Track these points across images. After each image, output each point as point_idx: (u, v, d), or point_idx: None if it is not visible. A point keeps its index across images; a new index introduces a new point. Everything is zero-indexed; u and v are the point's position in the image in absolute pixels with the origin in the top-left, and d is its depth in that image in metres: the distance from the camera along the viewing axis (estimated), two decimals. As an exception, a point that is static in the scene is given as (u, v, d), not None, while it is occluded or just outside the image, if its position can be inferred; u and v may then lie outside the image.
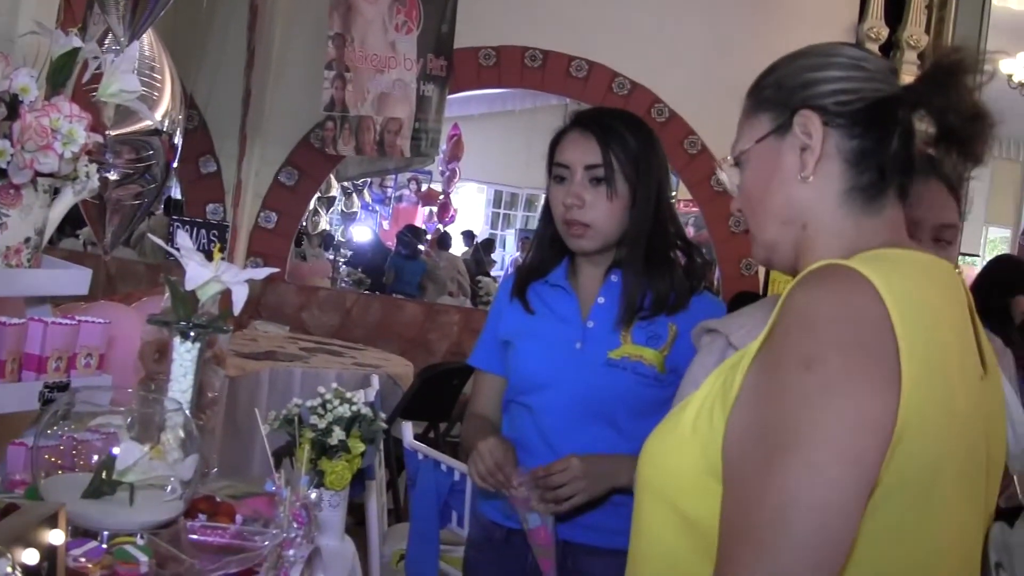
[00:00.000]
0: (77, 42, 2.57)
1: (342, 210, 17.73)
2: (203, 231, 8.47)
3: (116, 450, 1.94)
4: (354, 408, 2.74)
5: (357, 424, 2.73)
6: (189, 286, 2.30)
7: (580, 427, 2.68)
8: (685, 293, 2.72)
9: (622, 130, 2.72)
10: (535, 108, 16.61)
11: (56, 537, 1.58)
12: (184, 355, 2.32)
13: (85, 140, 2.42)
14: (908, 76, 1.64)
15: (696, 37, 9.51)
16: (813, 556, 1.31)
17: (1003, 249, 15.29)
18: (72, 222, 9.53)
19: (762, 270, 9.25)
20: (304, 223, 11.59)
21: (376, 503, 4.14)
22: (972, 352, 1.57)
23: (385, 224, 18.95)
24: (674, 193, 10.77)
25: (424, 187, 19.20)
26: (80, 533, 1.89)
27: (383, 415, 2.89)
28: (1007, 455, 1.72)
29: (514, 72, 9.67)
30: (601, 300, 2.74)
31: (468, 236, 18.59)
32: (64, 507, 1.62)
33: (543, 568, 2.62)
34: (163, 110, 5.69)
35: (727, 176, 1.75)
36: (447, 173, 18.04)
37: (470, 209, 20.91)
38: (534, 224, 19.81)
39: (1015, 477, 1.75)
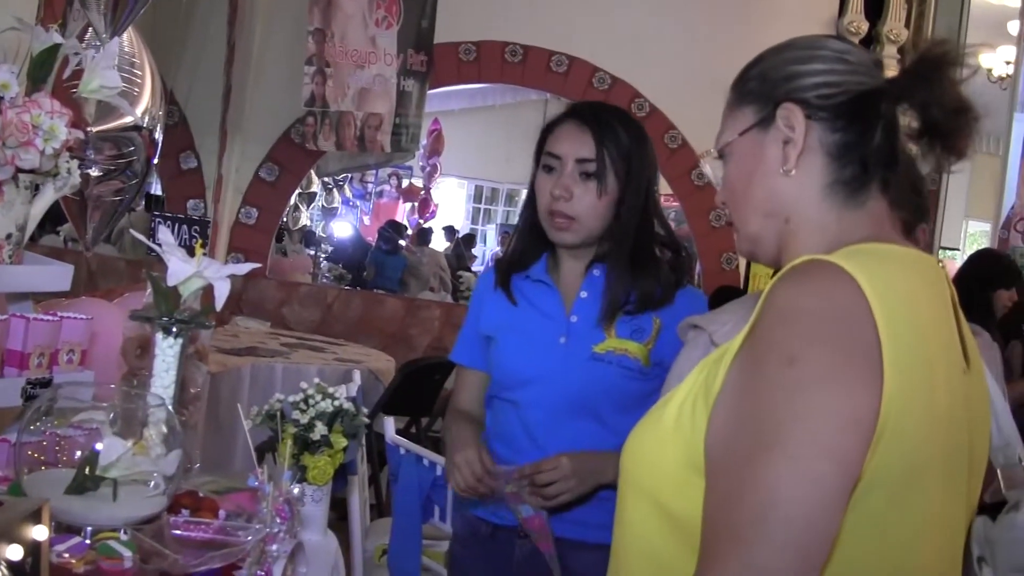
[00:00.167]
0: (58, 38, 2.57)
1: (323, 205, 17.74)
2: (185, 227, 8.47)
3: (99, 446, 1.94)
4: (336, 403, 2.75)
5: (339, 419, 2.74)
6: (171, 282, 2.30)
7: (565, 422, 2.67)
8: (670, 287, 2.72)
9: (617, 127, 2.71)
10: (515, 103, 16.60)
11: (40, 533, 1.58)
12: (166, 351, 2.32)
13: (66, 136, 2.42)
14: (888, 71, 1.64)
15: (676, 32, 9.52)
16: (795, 551, 1.31)
17: (983, 243, 15.31)
18: (53, 219, 9.50)
19: (743, 264, 9.26)
20: (285, 219, 11.58)
21: (358, 498, 4.14)
22: (955, 347, 1.56)
23: (366, 219, 18.93)
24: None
25: (405, 183, 19.18)
26: (63, 529, 1.89)
27: (365, 410, 2.90)
28: (990, 449, 1.72)
29: (494, 67, 9.67)
30: (584, 295, 2.73)
31: (449, 231, 18.59)
32: (47, 503, 1.62)
33: (543, 550, 2.61)
34: (143, 106, 5.68)
35: (710, 168, 1.75)
36: (427, 168, 18.02)
37: (451, 204, 20.89)
38: (515, 219, 19.77)
39: (999, 471, 1.76)
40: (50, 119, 2.37)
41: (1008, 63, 10.85)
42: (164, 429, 2.08)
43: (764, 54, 1.70)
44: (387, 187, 19.42)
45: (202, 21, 9.25)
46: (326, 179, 15.92)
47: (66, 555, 1.83)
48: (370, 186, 19.37)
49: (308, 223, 16.03)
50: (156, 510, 1.99)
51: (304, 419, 2.68)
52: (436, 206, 18.65)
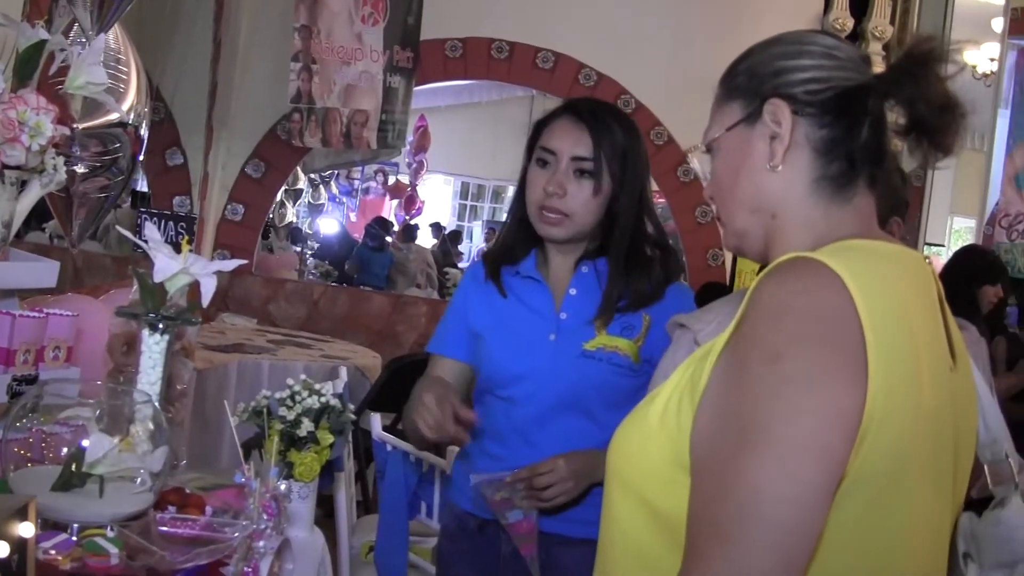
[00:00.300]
0: (44, 34, 2.56)
1: (309, 202, 17.74)
2: (171, 223, 8.43)
3: (85, 442, 1.93)
4: (323, 400, 2.74)
5: (326, 416, 2.74)
6: (158, 278, 2.29)
7: (556, 419, 2.68)
8: (660, 284, 2.72)
9: (613, 124, 2.70)
10: (501, 100, 16.65)
11: (26, 530, 1.58)
12: (153, 347, 2.32)
13: (52, 133, 2.41)
14: (874, 67, 1.63)
15: (662, 28, 9.52)
16: (779, 550, 1.31)
17: (968, 239, 15.37)
18: (38, 215, 9.48)
19: (729, 260, 9.27)
20: (271, 215, 11.56)
21: (345, 495, 4.14)
22: (941, 343, 1.56)
23: (352, 216, 18.94)
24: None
25: (391, 179, 19.17)
26: (50, 526, 1.89)
27: (351, 407, 2.89)
28: (978, 445, 1.73)
29: (480, 64, 9.67)
30: (573, 292, 2.73)
31: (436, 228, 18.58)
32: (34, 500, 1.62)
33: (523, 552, 2.62)
34: (129, 103, 5.68)
35: (698, 163, 1.75)
36: (414, 165, 18.01)
37: (437, 201, 20.88)
38: (501, 216, 19.83)
39: (985, 467, 1.76)
40: (36, 115, 2.37)
41: (992, 60, 10.90)
42: (150, 426, 2.07)
43: (752, 49, 1.70)
44: (373, 184, 19.42)
45: (188, 18, 9.24)
46: (312, 175, 15.93)
47: (52, 552, 1.82)
48: (356, 183, 19.38)
49: (294, 220, 16.02)
50: (143, 507, 1.99)
51: (290, 416, 2.68)
52: (422, 203, 18.64)
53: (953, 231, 18.13)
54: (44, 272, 2.71)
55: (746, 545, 1.31)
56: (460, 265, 16.49)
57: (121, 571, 1.85)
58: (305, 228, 16.43)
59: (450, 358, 2.87)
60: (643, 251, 2.73)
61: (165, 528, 2.03)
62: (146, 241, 2.33)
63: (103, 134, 5.56)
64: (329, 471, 2.87)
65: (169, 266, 2.29)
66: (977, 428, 1.71)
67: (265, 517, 2.11)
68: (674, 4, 9.60)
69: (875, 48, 8.97)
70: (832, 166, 1.59)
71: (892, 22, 9.28)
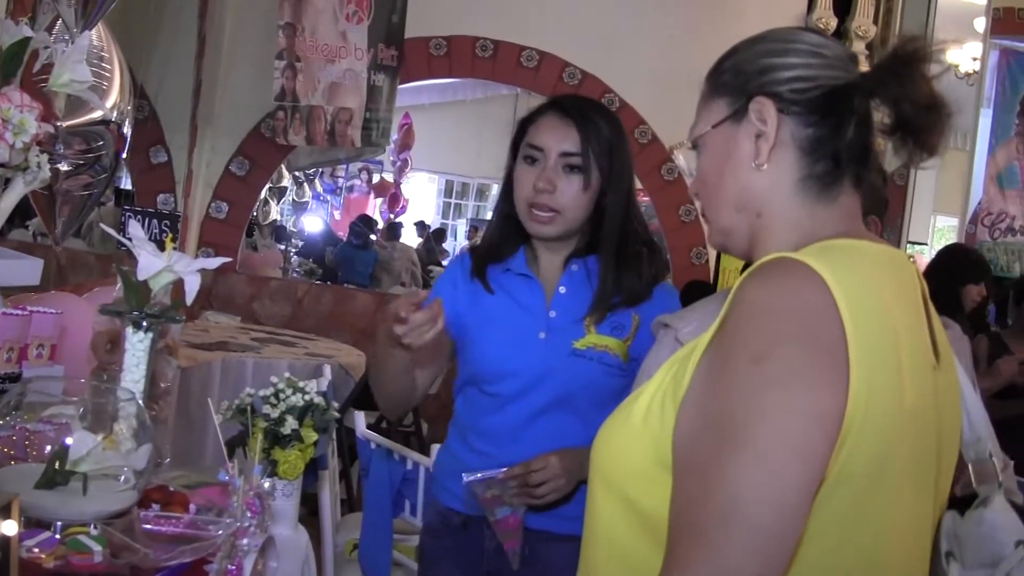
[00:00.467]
0: (27, 32, 2.56)
1: (293, 200, 17.70)
2: (155, 221, 8.44)
3: (69, 440, 1.93)
4: (307, 397, 2.74)
5: (310, 413, 2.73)
6: (141, 276, 2.29)
7: (544, 417, 2.68)
8: (650, 283, 2.73)
9: (599, 120, 2.70)
10: (486, 98, 16.67)
11: (9, 528, 1.57)
12: (137, 345, 2.31)
13: (36, 130, 2.41)
14: (859, 66, 1.64)
15: (646, 27, 9.53)
16: (761, 550, 1.31)
17: (951, 238, 15.41)
18: (21, 213, 9.47)
19: (712, 258, 9.28)
20: (255, 213, 11.55)
21: (329, 493, 4.14)
22: (924, 342, 1.56)
23: (336, 214, 18.92)
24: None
25: (376, 177, 19.16)
26: (33, 524, 1.88)
27: (336, 404, 2.89)
28: (962, 444, 1.73)
29: (465, 62, 9.67)
30: (562, 290, 2.73)
31: (420, 226, 18.58)
32: (17, 498, 1.62)
33: (507, 546, 2.61)
34: (112, 100, 5.67)
35: (683, 159, 1.75)
36: (398, 163, 18.01)
37: (421, 199, 20.87)
38: (485, 214, 19.84)
39: (969, 466, 1.76)
40: (20, 113, 2.36)
41: (975, 59, 10.94)
42: (134, 423, 2.07)
43: (739, 46, 1.70)
44: (358, 182, 19.41)
45: (173, 15, 9.22)
46: (297, 173, 15.89)
47: (36, 550, 1.82)
48: (341, 181, 19.35)
49: (279, 218, 15.98)
50: (126, 504, 1.98)
51: (275, 413, 2.68)
52: (407, 201, 18.64)
53: (936, 230, 18.18)
54: (28, 270, 2.71)
55: (727, 546, 1.31)
56: (444, 263, 16.47)
57: (105, 569, 1.85)
58: (289, 226, 16.40)
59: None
60: (633, 247, 2.72)
61: (149, 526, 2.03)
62: (130, 239, 2.32)
63: (86, 132, 5.55)
64: (313, 469, 2.87)
65: (153, 264, 2.28)
66: (961, 427, 1.72)
67: (249, 515, 2.11)
68: (658, 3, 9.62)
69: (858, 47, 9.01)
70: (818, 165, 1.59)
71: (875, 21, 9.32)
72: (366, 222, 14.71)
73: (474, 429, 2.75)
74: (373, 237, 14.48)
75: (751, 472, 1.32)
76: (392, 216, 17.69)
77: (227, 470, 2.20)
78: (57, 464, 1.91)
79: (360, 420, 4.25)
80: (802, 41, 1.64)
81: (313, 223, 17.27)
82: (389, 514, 3.75)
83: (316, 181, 18.50)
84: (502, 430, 2.71)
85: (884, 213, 2.99)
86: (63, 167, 5.42)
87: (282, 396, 2.71)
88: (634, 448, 1.53)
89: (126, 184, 11.08)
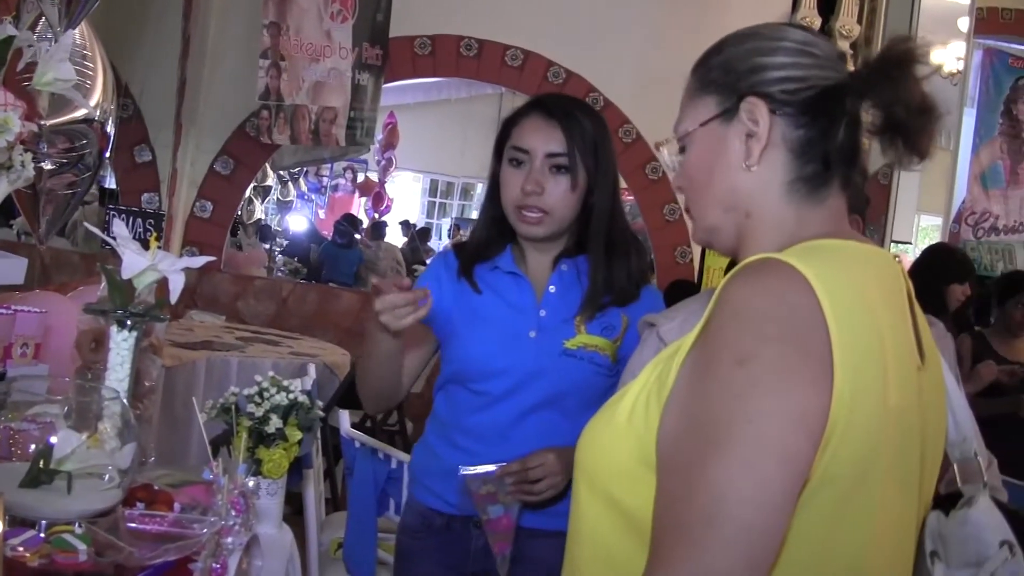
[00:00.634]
0: (11, 30, 2.56)
1: (278, 199, 17.68)
2: (139, 220, 8.43)
3: (53, 439, 1.93)
4: (291, 396, 2.74)
5: (294, 412, 2.74)
6: (126, 275, 2.28)
7: (533, 415, 2.67)
8: (638, 283, 2.73)
9: (583, 118, 2.70)
10: (470, 97, 16.66)
11: (-6, 526, 1.58)
12: (121, 344, 2.31)
13: (20, 129, 2.40)
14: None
15: (630, 26, 9.55)
16: (744, 552, 1.31)
17: (935, 237, 15.43)
18: (5, 212, 9.46)
19: (697, 258, 9.29)
20: (240, 212, 11.54)
21: (314, 491, 4.14)
22: (909, 342, 1.55)
23: (321, 213, 18.90)
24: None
25: (360, 177, 19.15)
26: (18, 522, 1.88)
27: (320, 403, 2.89)
28: (947, 443, 1.73)
29: (449, 61, 9.67)
30: (552, 289, 2.73)
31: (405, 225, 18.57)
32: (1, 497, 1.61)
33: (496, 550, 2.60)
34: (95, 99, 5.66)
35: (667, 153, 1.74)
36: (383, 162, 18.01)
37: (406, 198, 20.86)
38: (469, 212, 19.82)
39: (955, 465, 1.76)
40: (3, 111, 2.36)
41: (959, 59, 10.97)
42: (119, 422, 2.07)
43: (727, 41, 1.68)
44: (342, 181, 19.40)
45: (157, 14, 9.22)
46: (281, 172, 15.90)
47: (20, 549, 1.82)
48: (325, 180, 19.33)
49: (263, 217, 15.96)
50: (111, 503, 1.98)
51: (259, 412, 2.68)
52: (391, 200, 18.63)
53: (920, 229, 18.20)
54: (12, 269, 2.70)
55: (710, 546, 1.31)
56: (429, 262, 16.46)
57: (89, 567, 1.84)
58: (274, 225, 16.37)
59: None
60: (621, 245, 2.72)
61: (133, 524, 2.03)
62: (114, 238, 2.32)
63: (70, 130, 5.55)
64: (297, 468, 2.87)
65: (137, 263, 2.28)
66: (946, 427, 1.72)
67: (233, 513, 2.11)
68: (642, 2, 9.63)
69: (843, 47, 9.02)
70: (807, 167, 1.58)
71: (860, 21, 9.35)
72: (351, 221, 14.70)
73: (458, 427, 2.74)
74: (358, 236, 14.47)
75: (735, 473, 1.31)
76: (377, 215, 17.67)
77: (212, 469, 2.20)
78: (42, 463, 1.90)
79: (345, 419, 4.25)
80: (791, 39, 1.62)
81: (298, 222, 17.25)
82: (374, 513, 3.75)
83: (301, 180, 18.50)
84: (490, 428, 2.70)
85: (866, 212, 3.00)
86: (47, 166, 5.42)
87: (266, 395, 2.72)
88: (618, 448, 1.52)
89: (110, 183, 11.05)
